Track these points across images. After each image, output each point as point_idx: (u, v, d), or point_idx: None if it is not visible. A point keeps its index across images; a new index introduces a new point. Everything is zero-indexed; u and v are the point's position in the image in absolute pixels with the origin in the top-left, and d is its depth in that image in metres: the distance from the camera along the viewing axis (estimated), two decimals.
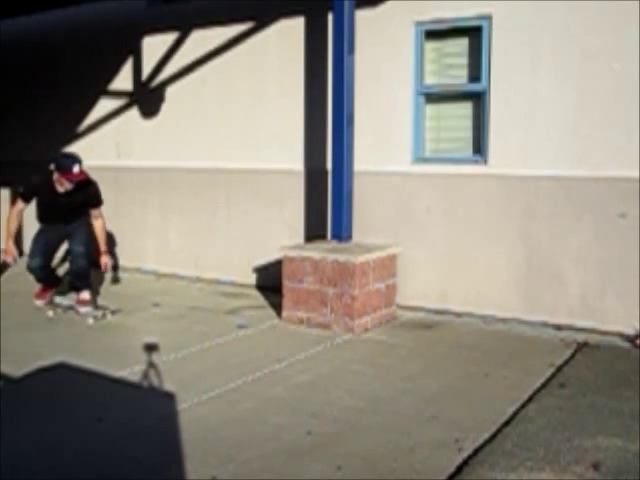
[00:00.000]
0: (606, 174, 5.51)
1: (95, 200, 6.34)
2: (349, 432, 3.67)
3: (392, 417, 3.87)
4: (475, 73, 6.11)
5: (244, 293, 7.08)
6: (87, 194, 6.22)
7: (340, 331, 5.61)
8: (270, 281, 6.99)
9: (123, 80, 8.39)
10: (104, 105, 8.58)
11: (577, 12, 5.52)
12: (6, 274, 8.29)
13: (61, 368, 4.73)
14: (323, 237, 6.59)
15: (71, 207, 6.20)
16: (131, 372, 4.62)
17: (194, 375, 4.58)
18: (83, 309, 6.22)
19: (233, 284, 7.48)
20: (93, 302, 6.37)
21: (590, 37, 5.49)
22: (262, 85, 7.30)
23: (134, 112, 8.34)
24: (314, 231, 6.87)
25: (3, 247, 6.29)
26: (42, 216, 6.40)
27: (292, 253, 5.92)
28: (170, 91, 8.00)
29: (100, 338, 5.50)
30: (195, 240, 7.85)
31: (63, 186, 6.01)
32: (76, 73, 8.85)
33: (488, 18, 5.91)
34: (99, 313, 6.13)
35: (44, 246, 6.30)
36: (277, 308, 6.16)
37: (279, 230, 7.16)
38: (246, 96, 7.40)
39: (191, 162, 7.88)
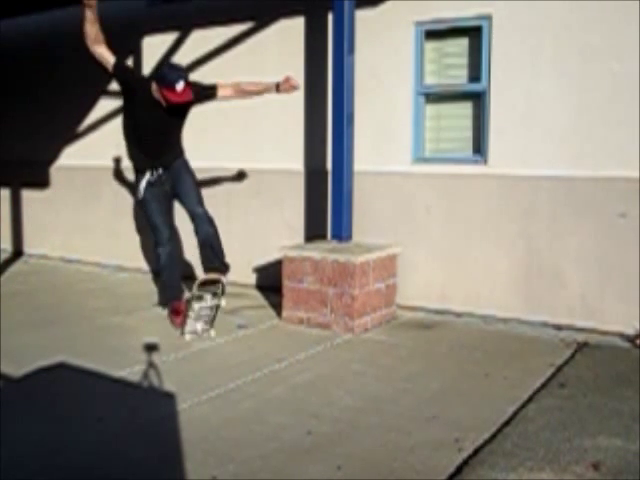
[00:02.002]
0: (606, 174, 5.51)
1: (207, 90, 5.26)
2: (349, 432, 3.67)
3: (392, 417, 3.87)
4: (475, 73, 6.11)
5: (244, 293, 7.08)
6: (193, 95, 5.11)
7: (340, 331, 5.61)
8: (270, 281, 6.99)
9: None
10: (104, 105, 8.58)
11: (577, 12, 5.53)
12: (6, 274, 8.30)
13: (61, 368, 4.73)
14: (323, 237, 6.59)
15: (171, 118, 5.20)
16: (131, 372, 4.62)
17: (194, 375, 4.58)
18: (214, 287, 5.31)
19: (233, 284, 7.47)
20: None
21: (590, 37, 5.50)
22: None
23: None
24: (314, 231, 6.87)
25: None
26: (132, 132, 5.31)
27: (292, 253, 5.92)
28: None
29: (100, 338, 5.50)
30: (195, 240, 7.84)
31: (160, 99, 5.07)
32: (76, 73, 8.84)
33: (488, 18, 5.91)
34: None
35: (163, 215, 5.40)
36: (277, 308, 6.16)
37: (279, 230, 7.16)
38: None
39: (190, 162, 7.86)
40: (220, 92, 5.36)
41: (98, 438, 3.59)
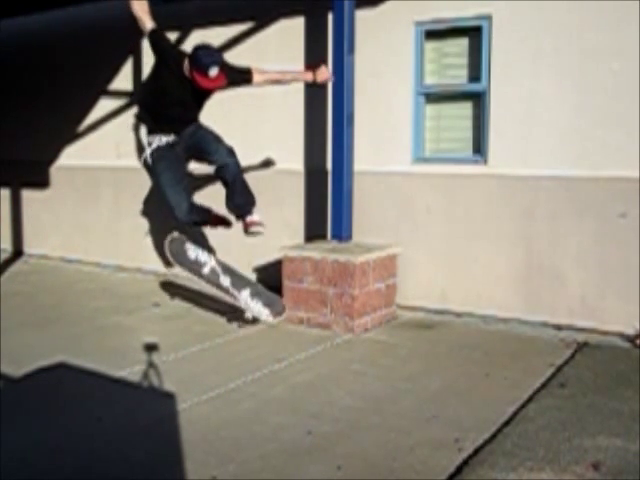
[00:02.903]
0: (606, 174, 5.51)
1: (242, 75, 5.06)
2: (349, 432, 3.67)
3: (392, 417, 3.87)
4: (475, 73, 6.11)
5: None
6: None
7: (340, 331, 5.61)
8: (270, 281, 6.98)
9: (123, 80, 8.39)
10: (104, 105, 8.58)
11: (577, 12, 5.53)
12: (6, 274, 8.30)
13: (61, 368, 4.73)
14: (323, 237, 6.59)
15: (196, 95, 4.97)
16: (131, 372, 4.62)
17: (194, 375, 4.58)
18: (255, 228, 5.27)
19: None
20: None
21: (590, 37, 5.49)
22: None
23: (134, 112, 8.33)
24: (314, 231, 6.87)
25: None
26: (152, 99, 5.10)
27: (292, 253, 5.92)
28: None
29: (100, 338, 5.50)
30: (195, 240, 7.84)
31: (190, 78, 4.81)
32: (76, 73, 8.85)
33: (488, 18, 5.91)
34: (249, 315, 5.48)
35: (179, 183, 5.15)
36: None
37: (279, 230, 7.15)
38: (246, 96, 7.39)
39: (190, 162, 7.86)
40: (255, 78, 5.19)
41: (98, 438, 3.59)
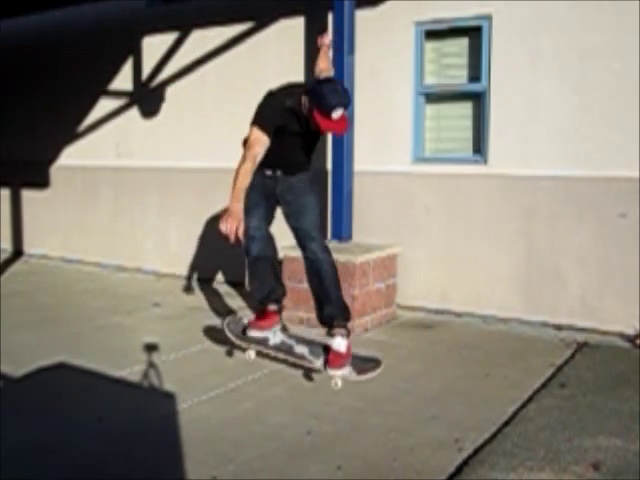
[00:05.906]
0: (606, 174, 5.51)
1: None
2: (349, 432, 3.67)
3: (392, 417, 3.87)
4: (475, 73, 6.11)
5: (244, 293, 7.08)
6: None
7: None
8: None
9: (123, 80, 8.39)
10: (104, 105, 8.58)
11: (577, 12, 5.53)
12: (6, 274, 8.29)
13: (61, 368, 4.73)
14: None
15: (308, 138, 4.22)
16: (131, 372, 4.62)
17: (194, 375, 4.58)
18: (336, 372, 4.12)
19: (233, 284, 7.48)
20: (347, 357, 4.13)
21: (590, 37, 5.50)
22: (262, 85, 7.24)
23: (134, 112, 8.34)
24: None
25: (228, 216, 3.79)
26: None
27: (292, 253, 5.91)
28: (170, 91, 8.00)
29: (100, 338, 5.50)
30: (195, 240, 7.85)
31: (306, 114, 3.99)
32: (76, 73, 8.85)
33: (488, 18, 5.91)
34: (347, 371, 4.14)
35: (262, 219, 4.40)
36: None
37: (279, 230, 7.14)
38: (246, 96, 7.40)
39: (191, 162, 7.88)
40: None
41: (98, 438, 3.59)
